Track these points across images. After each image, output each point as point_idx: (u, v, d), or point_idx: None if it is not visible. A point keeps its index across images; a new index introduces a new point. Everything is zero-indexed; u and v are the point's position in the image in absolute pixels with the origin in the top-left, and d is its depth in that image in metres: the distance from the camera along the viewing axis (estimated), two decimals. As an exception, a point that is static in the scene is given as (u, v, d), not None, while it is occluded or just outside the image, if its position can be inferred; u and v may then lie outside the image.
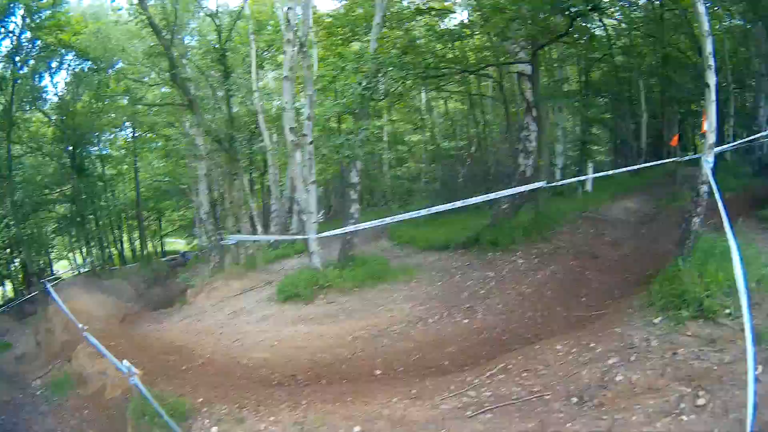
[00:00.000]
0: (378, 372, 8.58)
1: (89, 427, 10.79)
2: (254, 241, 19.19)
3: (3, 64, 22.25)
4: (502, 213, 13.70)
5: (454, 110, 25.77)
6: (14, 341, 22.97)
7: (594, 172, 16.17)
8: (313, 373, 9.25)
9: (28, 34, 21.96)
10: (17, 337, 23.69)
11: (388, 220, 13.51)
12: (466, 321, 9.60)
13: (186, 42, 22.08)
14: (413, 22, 17.62)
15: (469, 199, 12.32)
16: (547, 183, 13.69)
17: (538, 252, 12.25)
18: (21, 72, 22.15)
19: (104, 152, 35.41)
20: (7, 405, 13.26)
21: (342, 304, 11.96)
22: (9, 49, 21.70)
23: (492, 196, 12.27)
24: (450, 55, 14.33)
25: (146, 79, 24.50)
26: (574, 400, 5.75)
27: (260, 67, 20.00)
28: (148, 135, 32.45)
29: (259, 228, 20.30)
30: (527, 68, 14.01)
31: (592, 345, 6.70)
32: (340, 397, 7.18)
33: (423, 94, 24.37)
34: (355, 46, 19.60)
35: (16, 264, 34.59)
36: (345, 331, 10.58)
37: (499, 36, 14.12)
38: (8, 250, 32.27)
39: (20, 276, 34.77)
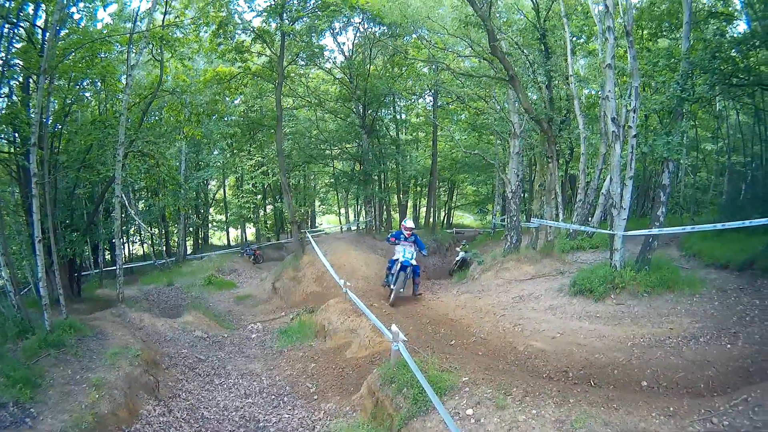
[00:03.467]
0: (644, 384, 8.92)
1: (310, 380, 12.28)
2: (555, 227, 19.54)
3: (264, 18, 23.93)
4: (775, 239, 12.99)
5: (743, 124, 23.53)
6: (241, 283, 26.67)
7: None
8: (585, 373, 9.71)
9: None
10: (244, 279, 27.51)
11: (688, 228, 13.71)
12: (729, 346, 9.69)
13: (498, 17, 22.11)
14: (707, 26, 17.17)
15: (746, 221, 11.84)
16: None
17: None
18: (291, 26, 23.42)
19: (400, 117, 37.22)
20: (213, 343, 15.40)
21: (630, 308, 12.14)
22: (269, 4, 23.10)
23: (761, 221, 11.65)
24: (741, 65, 13.48)
25: (450, 50, 24.91)
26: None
27: (573, 52, 19.94)
28: (452, 106, 33.29)
29: (561, 215, 20.33)
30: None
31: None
32: (607, 403, 7.41)
33: (717, 103, 22.72)
34: (662, 43, 19.30)
35: (267, 211, 39.79)
36: (626, 336, 10.89)
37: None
38: (259, 196, 36.61)
39: (269, 222, 40.41)
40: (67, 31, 17.04)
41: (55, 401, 8.91)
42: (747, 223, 11.86)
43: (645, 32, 20.74)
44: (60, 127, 18.78)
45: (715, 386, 8.38)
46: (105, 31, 18.90)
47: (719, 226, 12.66)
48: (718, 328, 10.32)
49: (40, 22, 16.21)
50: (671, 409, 6.94)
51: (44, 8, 15.85)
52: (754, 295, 11.52)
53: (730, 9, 17.72)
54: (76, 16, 17.76)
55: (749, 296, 11.55)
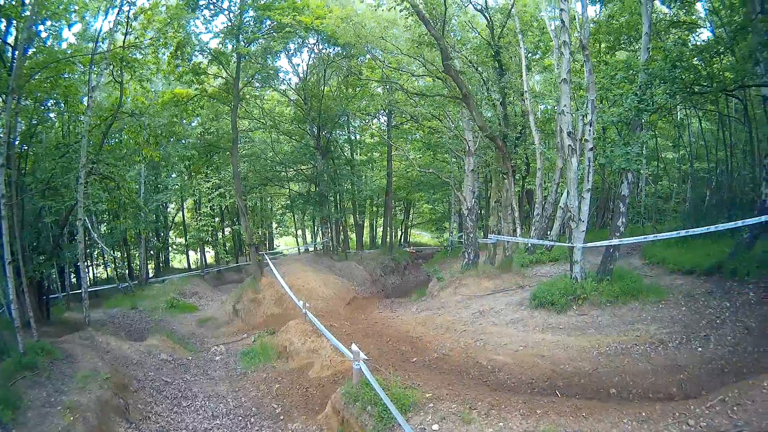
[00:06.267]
0: (613, 391, 8.87)
1: (275, 401, 12.12)
2: (513, 242, 19.46)
3: (221, 39, 23.72)
4: (743, 242, 13.04)
5: (706, 131, 23.78)
6: (202, 306, 26.18)
7: None
8: (551, 384, 9.64)
9: (252, 13, 23.14)
10: (206, 302, 26.96)
11: (651, 237, 13.65)
12: (700, 349, 9.68)
13: (452, 36, 22.18)
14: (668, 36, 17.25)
15: (712, 226, 11.96)
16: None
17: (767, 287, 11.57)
18: (247, 48, 23.17)
19: (354, 137, 37.11)
20: (179, 365, 15.09)
21: (593, 318, 12.04)
22: (226, 25, 23.05)
23: (728, 225, 11.72)
24: (704, 72, 13.49)
25: (404, 69, 24.87)
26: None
27: (528, 68, 19.95)
28: (406, 126, 33.27)
29: (519, 230, 20.36)
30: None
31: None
32: (576, 412, 7.34)
33: (678, 111, 22.94)
34: (620, 55, 19.34)
35: (226, 233, 39.33)
36: (591, 345, 10.79)
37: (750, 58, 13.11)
38: (217, 219, 36.67)
39: (227, 245, 39.75)
40: (34, 50, 16.79)
41: (34, 423, 9.02)
42: (711, 228, 11.90)
43: (602, 45, 20.78)
44: (26, 147, 18.54)
45: (688, 390, 8.34)
46: (69, 51, 18.49)
47: (683, 233, 12.68)
48: (688, 333, 10.28)
49: (10, 40, 15.90)
50: (643, 414, 6.85)
51: (15, 25, 15.65)
52: (723, 298, 11.49)
53: (693, 17, 17.96)
54: (43, 35, 17.61)
55: (718, 300, 11.52)
